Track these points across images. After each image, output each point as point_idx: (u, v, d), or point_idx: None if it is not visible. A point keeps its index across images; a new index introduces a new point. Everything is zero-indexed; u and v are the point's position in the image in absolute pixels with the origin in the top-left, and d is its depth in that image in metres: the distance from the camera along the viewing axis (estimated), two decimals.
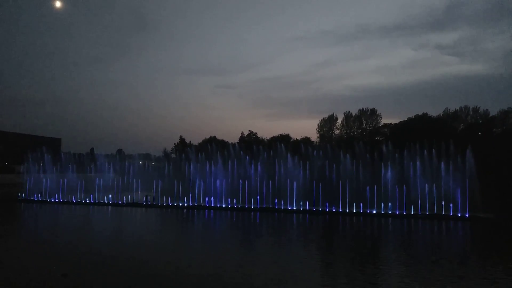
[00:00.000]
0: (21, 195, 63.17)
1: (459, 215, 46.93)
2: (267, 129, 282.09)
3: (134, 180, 64.08)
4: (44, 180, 64.69)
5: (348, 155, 56.93)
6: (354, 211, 50.47)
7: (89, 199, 60.67)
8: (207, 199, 56.91)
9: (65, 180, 64.67)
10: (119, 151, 74.12)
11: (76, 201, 60.56)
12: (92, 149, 72.10)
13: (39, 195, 62.99)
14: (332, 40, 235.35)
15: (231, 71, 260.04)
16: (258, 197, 55.56)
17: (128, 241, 32.62)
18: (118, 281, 20.06)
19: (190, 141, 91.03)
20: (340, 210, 51.29)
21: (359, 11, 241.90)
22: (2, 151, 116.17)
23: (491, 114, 75.20)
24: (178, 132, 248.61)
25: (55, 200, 61.45)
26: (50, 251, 27.25)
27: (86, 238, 33.45)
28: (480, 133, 68.90)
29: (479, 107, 77.39)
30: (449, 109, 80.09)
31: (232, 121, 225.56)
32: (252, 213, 51.15)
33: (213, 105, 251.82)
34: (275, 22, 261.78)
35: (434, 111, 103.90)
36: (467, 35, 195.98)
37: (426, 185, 49.89)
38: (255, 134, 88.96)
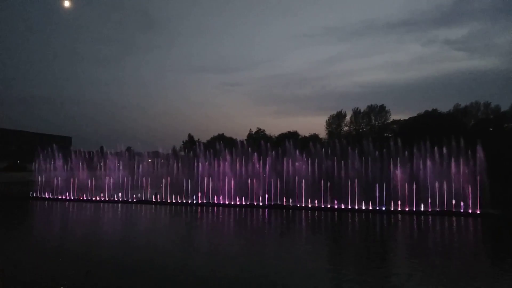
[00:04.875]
0: (33, 193, 64.15)
1: (470, 211, 46.48)
2: (274, 126, 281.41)
3: (143, 177, 64.58)
4: (55, 178, 65.60)
5: (356, 152, 56.74)
6: (363, 208, 50.34)
7: (99, 197, 61.34)
8: (215, 196, 57.28)
9: (76, 178, 65.51)
10: (128, 149, 74.53)
11: (86, 199, 61.30)
12: (101, 147, 72.69)
13: (50, 193, 63.91)
14: (339, 37, 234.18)
15: (238, 69, 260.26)
16: (266, 194, 55.66)
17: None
18: None
19: (198, 139, 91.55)
20: (350, 207, 51.16)
21: (365, 7, 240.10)
22: (14, 150, 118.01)
23: (502, 110, 74.16)
24: (186, 130, 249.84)
25: (65, 198, 62.29)
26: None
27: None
28: (491, 129, 68.01)
29: (490, 103, 76.41)
30: (460, 105, 79.23)
31: (239, 118, 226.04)
32: (260, 210, 51.25)
33: (221, 102, 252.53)
34: (282, 20, 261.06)
35: (444, 107, 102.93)
36: (476, 29, 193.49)
37: (436, 181, 49.51)
38: (263, 131, 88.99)
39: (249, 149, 63.29)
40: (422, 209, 48.11)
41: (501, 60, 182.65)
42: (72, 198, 62.38)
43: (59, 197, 62.74)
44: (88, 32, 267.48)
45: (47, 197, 63.26)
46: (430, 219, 43.25)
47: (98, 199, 60.88)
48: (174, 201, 58.20)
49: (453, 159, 50.64)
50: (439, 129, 58.55)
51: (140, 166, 67.26)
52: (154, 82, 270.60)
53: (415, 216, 45.51)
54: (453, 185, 48.94)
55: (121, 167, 67.04)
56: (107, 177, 64.74)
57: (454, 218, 43.69)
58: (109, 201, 59.85)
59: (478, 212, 45.86)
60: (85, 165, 68.43)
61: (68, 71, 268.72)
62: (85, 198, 61.58)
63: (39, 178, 65.55)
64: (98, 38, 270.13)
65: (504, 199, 46.76)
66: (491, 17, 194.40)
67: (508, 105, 74.15)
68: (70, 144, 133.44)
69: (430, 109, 78.38)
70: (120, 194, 61.07)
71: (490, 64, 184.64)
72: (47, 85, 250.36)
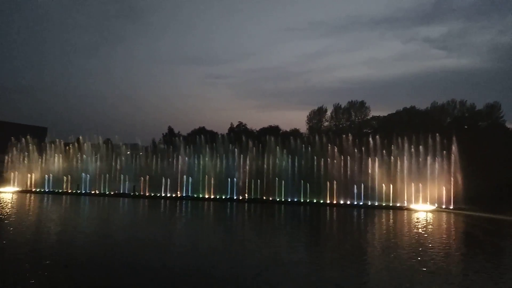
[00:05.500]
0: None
1: (444, 207, 47.80)
2: (256, 120, 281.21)
3: (122, 170, 63.44)
4: (29, 169, 63.74)
5: (336, 148, 57.45)
6: (342, 202, 51.21)
7: (76, 189, 60.02)
8: (194, 190, 57.06)
9: (51, 169, 63.82)
10: (107, 140, 72.88)
11: (62, 191, 59.88)
12: (78, 138, 70.67)
13: (26, 185, 62.21)
14: (323, 32, 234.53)
15: (222, 61, 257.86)
16: (247, 187, 55.82)
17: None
18: None
19: (179, 131, 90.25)
20: (329, 202, 51.89)
21: (349, 3, 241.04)
22: None
23: (477, 108, 76.19)
24: (167, 122, 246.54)
25: (41, 190, 60.70)
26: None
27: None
28: (466, 126, 69.90)
29: (466, 101, 78.34)
30: (437, 102, 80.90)
31: (221, 111, 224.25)
32: (238, 204, 51.34)
33: (204, 95, 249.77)
34: (266, 13, 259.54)
35: (422, 104, 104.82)
36: (455, 29, 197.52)
37: (412, 177, 50.79)
38: (245, 125, 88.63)
39: (230, 144, 63.07)
40: (398, 205, 49.24)
41: (478, 59, 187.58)
42: (47, 190, 60.83)
43: (33, 190, 61.06)
44: (69, 20, 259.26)
45: (21, 189, 61.45)
46: (405, 214, 44.08)
47: (73, 191, 59.55)
48: (152, 194, 57.52)
49: (428, 156, 51.91)
50: (417, 125, 59.77)
51: (118, 158, 66.00)
52: (136, 73, 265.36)
53: (391, 210, 46.50)
54: (428, 181, 50.25)
55: (98, 159, 65.61)
56: (83, 169, 63.34)
57: (426, 214, 44.70)
58: (85, 194, 58.65)
59: (451, 208, 47.27)
60: (60, 157, 66.64)
61: (47, 59, 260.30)
62: (60, 191, 60.13)
63: (12, 170, 63.60)
64: (80, 27, 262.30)
65: (478, 197, 48.30)
66: (470, 17, 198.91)
67: (483, 103, 76.33)
68: (46, 134, 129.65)
69: (408, 106, 79.90)
70: (96, 187, 59.89)
71: (467, 63, 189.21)
72: (25, 74, 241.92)
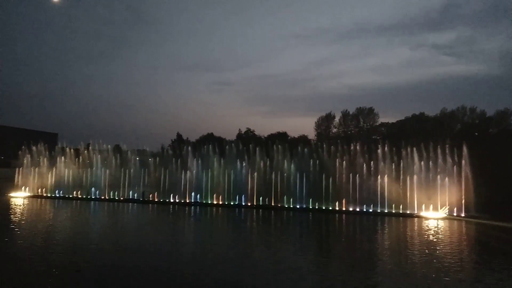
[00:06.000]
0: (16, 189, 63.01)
1: (455, 214, 47.21)
2: (264, 126, 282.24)
3: (131, 176, 63.90)
4: (40, 175, 64.57)
5: (345, 154, 57.31)
6: (351, 209, 50.86)
7: (86, 195, 60.62)
8: (203, 196, 57.26)
9: (62, 175, 64.55)
10: (116, 146, 73.62)
11: (72, 197, 60.49)
12: (88, 144, 71.57)
13: (37, 190, 62.99)
14: (330, 39, 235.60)
15: (228, 68, 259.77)
16: (255, 193, 55.83)
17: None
18: None
19: (187, 138, 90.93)
20: (338, 209, 51.55)
21: (357, 10, 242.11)
22: None
23: (488, 115, 75.49)
24: (175, 129, 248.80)
25: (51, 196, 61.43)
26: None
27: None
28: (476, 134, 69.20)
29: (476, 107, 77.67)
30: (446, 109, 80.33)
31: (229, 118, 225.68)
32: (247, 211, 51.30)
33: (210, 101, 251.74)
34: (273, 20, 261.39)
35: (431, 111, 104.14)
36: (464, 35, 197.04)
37: (422, 184, 50.31)
38: (253, 132, 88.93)
39: (239, 149, 63.31)
40: (408, 212, 48.76)
41: (488, 66, 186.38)
42: (57, 195, 61.52)
43: (44, 195, 61.82)
44: (78, 28, 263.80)
45: (33, 194, 62.17)
46: (418, 222, 43.66)
47: (83, 197, 60.17)
48: (161, 200, 57.77)
49: (439, 163, 51.39)
50: (426, 132, 59.36)
51: (127, 165, 66.51)
52: (144, 80, 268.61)
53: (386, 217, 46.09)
54: (438, 188, 49.69)
55: (107, 166, 66.22)
56: (93, 175, 63.97)
57: (437, 222, 44.18)
58: (95, 200, 59.14)
59: (463, 215, 46.69)
60: (71, 162, 67.42)
61: (58, 67, 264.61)
62: (70, 196, 60.80)
63: (24, 175, 64.46)
64: (88, 34, 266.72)
65: (489, 204, 47.55)
66: (478, 23, 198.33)
67: (494, 110, 75.55)
68: (56, 140, 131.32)
69: (417, 113, 79.54)
70: (106, 192, 60.43)
71: (476, 70, 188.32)
72: (35, 81, 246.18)
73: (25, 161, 67.09)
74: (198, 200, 57.10)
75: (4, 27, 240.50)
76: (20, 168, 66.28)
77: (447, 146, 51.73)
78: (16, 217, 41.31)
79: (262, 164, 59.53)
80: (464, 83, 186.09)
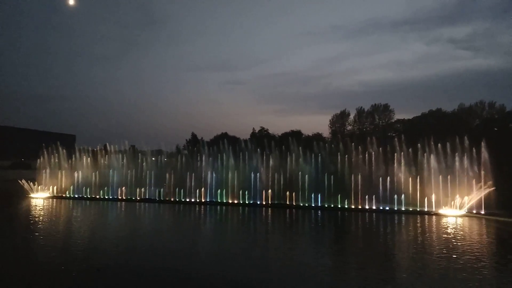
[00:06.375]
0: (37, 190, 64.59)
1: (474, 212, 46.34)
2: (277, 125, 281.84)
3: (147, 175, 64.76)
4: (59, 175, 66.03)
5: (360, 151, 56.82)
6: (367, 207, 50.42)
7: (103, 195, 61.72)
8: (218, 195, 57.55)
9: (80, 176, 65.88)
10: (132, 147, 74.75)
11: (91, 197, 61.69)
12: (105, 145, 72.83)
13: (58, 191, 64.48)
14: (343, 35, 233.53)
15: (240, 67, 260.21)
16: (270, 192, 55.87)
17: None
18: None
19: (202, 137, 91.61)
20: (353, 207, 51.20)
21: (369, 5, 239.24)
22: (18, 147, 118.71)
23: (507, 109, 73.72)
24: (189, 129, 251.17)
25: (71, 196, 62.77)
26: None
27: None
28: (496, 129, 67.58)
29: (495, 102, 75.98)
30: (464, 104, 78.88)
31: (242, 117, 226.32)
32: (263, 209, 51.45)
33: (224, 101, 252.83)
34: (285, 18, 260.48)
35: (449, 106, 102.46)
36: (481, 28, 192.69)
37: (440, 181, 49.50)
38: (266, 130, 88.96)
39: (253, 148, 63.45)
40: (425, 209, 48.05)
41: (506, 59, 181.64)
42: (75, 196, 62.83)
43: (63, 195, 63.20)
44: (89, 30, 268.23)
45: (53, 195, 63.63)
46: (433, 219, 43.03)
47: (101, 197, 61.30)
48: (177, 199, 58.39)
49: (457, 159, 50.49)
50: (444, 128, 58.28)
51: (144, 164, 67.42)
52: (157, 80, 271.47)
53: (403, 215, 45.48)
54: (457, 185, 48.83)
55: (124, 166, 67.25)
56: (111, 175, 65.08)
57: (456, 219, 43.44)
58: (113, 200, 60.17)
59: (482, 212, 45.81)
60: (89, 163, 68.76)
61: (72, 69, 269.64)
62: (89, 197, 62.04)
63: (43, 176, 66.02)
64: (99, 36, 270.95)
65: (508, 200, 46.42)
66: (495, 16, 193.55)
67: None
68: (74, 141, 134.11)
69: (434, 109, 78.32)
70: (124, 192, 61.43)
71: (494, 64, 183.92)
72: (49, 84, 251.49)
73: (44, 163, 68.67)
74: (213, 200, 57.47)
75: (20, 31, 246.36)
76: (41, 170, 67.86)
77: (465, 142, 50.74)
78: (37, 218, 42.44)
79: (276, 162, 59.52)
80: (482, 77, 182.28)
